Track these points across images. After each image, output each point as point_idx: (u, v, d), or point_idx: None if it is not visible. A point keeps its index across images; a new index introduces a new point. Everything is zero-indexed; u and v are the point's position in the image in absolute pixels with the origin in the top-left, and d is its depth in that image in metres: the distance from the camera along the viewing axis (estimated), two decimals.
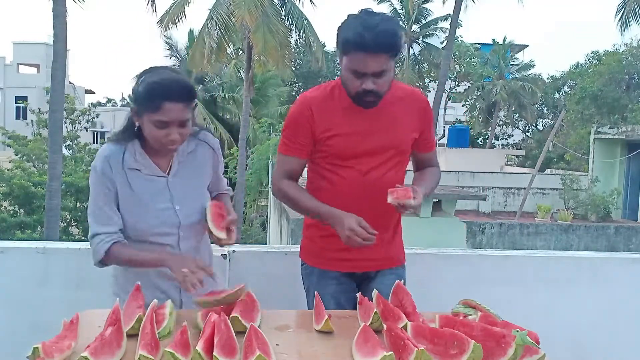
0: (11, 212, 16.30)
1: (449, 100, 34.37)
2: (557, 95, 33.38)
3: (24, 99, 30.76)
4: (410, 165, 2.36)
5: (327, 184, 2.15)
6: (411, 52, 30.62)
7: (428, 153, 2.31)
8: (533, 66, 33.46)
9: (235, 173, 18.78)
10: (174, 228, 1.92)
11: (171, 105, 1.77)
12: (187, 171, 1.97)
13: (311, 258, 2.25)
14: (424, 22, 30.80)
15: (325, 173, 2.16)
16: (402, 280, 1.94)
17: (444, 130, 33.81)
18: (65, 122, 18.88)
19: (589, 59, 27.39)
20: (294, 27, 19.10)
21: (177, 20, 18.34)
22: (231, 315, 1.59)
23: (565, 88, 32.27)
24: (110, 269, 2.01)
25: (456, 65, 30.26)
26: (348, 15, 2.05)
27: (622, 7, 20.59)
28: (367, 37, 1.92)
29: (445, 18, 27.67)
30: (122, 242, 1.88)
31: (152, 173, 1.92)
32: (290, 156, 2.18)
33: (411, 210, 1.97)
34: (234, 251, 2.65)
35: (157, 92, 1.77)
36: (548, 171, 23.39)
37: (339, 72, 2.15)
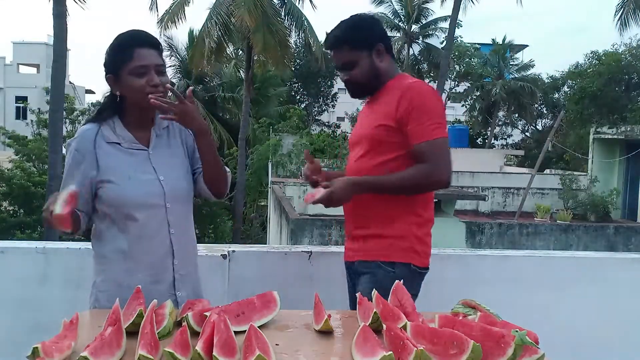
0: (11, 212, 16.28)
1: (448, 100, 34.36)
2: (556, 95, 33.32)
3: (24, 99, 30.73)
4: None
5: None
6: (411, 52, 30.62)
7: (414, 146, 2.09)
8: (533, 66, 33.44)
9: (235, 173, 18.78)
10: (160, 199, 1.93)
11: (143, 50, 1.91)
12: (166, 144, 2.02)
13: None
14: (424, 22, 30.78)
15: None
16: (377, 281, 2.07)
17: None
18: (65, 122, 18.84)
19: (589, 59, 27.33)
20: (293, 27, 19.12)
21: (177, 20, 18.35)
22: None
23: (565, 88, 32.19)
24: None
25: (456, 65, 30.25)
26: None
27: (621, 7, 20.58)
28: (328, 36, 2.26)
29: (445, 18, 27.64)
30: None
31: (133, 146, 1.95)
32: None
33: (330, 196, 2.06)
34: (233, 251, 2.65)
35: (126, 41, 1.93)
36: (547, 171, 23.36)
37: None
